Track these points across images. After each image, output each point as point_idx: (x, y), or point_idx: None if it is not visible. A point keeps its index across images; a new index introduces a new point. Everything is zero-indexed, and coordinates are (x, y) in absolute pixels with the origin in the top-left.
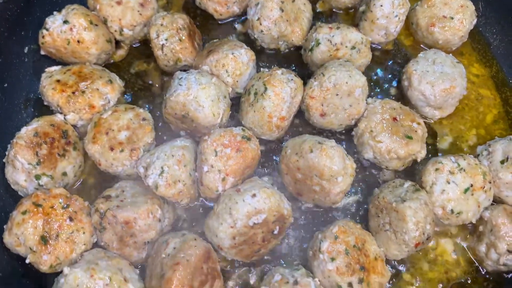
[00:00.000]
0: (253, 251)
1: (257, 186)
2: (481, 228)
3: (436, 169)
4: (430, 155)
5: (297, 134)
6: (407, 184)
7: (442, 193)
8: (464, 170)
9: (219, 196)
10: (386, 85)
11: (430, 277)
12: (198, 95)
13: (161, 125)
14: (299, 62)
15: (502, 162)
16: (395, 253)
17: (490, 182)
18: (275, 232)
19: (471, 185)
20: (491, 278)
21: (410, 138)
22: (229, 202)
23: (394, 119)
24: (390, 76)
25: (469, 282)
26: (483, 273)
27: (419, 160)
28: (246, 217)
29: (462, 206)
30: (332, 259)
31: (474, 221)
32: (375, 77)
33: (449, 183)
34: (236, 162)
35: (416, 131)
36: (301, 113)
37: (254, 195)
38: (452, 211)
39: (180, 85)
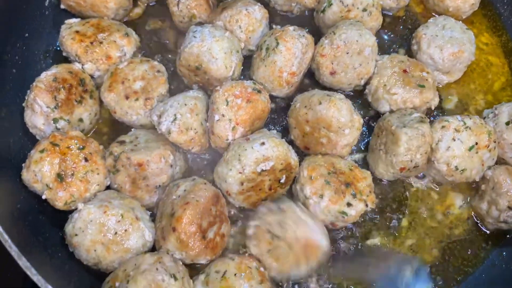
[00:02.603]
0: (259, 198)
1: (266, 135)
2: (483, 186)
3: (442, 127)
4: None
5: None
6: (416, 114)
7: (448, 150)
8: (470, 129)
9: (229, 145)
10: (395, 52)
11: (432, 232)
12: (212, 47)
13: (174, 81)
14: (311, 25)
15: (507, 123)
16: (381, 172)
17: (495, 142)
18: (282, 181)
19: (476, 143)
20: (490, 240)
21: (422, 86)
22: (238, 149)
23: (404, 71)
24: (399, 42)
25: (468, 240)
26: (483, 232)
27: (433, 108)
28: (255, 164)
29: (466, 163)
30: (321, 196)
31: (477, 179)
32: (385, 42)
33: (454, 140)
34: (246, 113)
35: (427, 80)
36: (311, 74)
37: (263, 143)
38: (456, 167)
39: (194, 37)
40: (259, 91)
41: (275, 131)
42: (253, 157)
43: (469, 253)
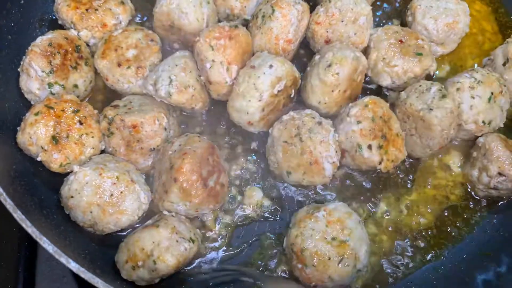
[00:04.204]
0: (276, 117)
1: (268, 57)
2: (474, 154)
3: (457, 89)
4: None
5: (302, 65)
6: (434, 88)
7: (471, 108)
8: (482, 82)
9: (230, 89)
10: (390, 23)
11: (427, 198)
12: (180, 2)
13: (169, 51)
14: None
15: (504, 64)
16: (419, 154)
17: (504, 86)
18: (292, 95)
19: (492, 93)
20: (481, 207)
21: (420, 54)
22: (250, 79)
23: (400, 41)
24: (394, 13)
25: (460, 206)
26: (476, 199)
27: (432, 74)
28: (271, 87)
29: (490, 114)
30: (358, 122)
31: (501, 125)
32: (379, 15)
33: (473, 98)
34: (233, 49)
35: (423, 47)
36: (306, 45)
37: (271, 66)
38: (483, 122)
39: None
40: (236, 26)
41: (266, 52)
42: (268, 81)
43: (461, 219)
